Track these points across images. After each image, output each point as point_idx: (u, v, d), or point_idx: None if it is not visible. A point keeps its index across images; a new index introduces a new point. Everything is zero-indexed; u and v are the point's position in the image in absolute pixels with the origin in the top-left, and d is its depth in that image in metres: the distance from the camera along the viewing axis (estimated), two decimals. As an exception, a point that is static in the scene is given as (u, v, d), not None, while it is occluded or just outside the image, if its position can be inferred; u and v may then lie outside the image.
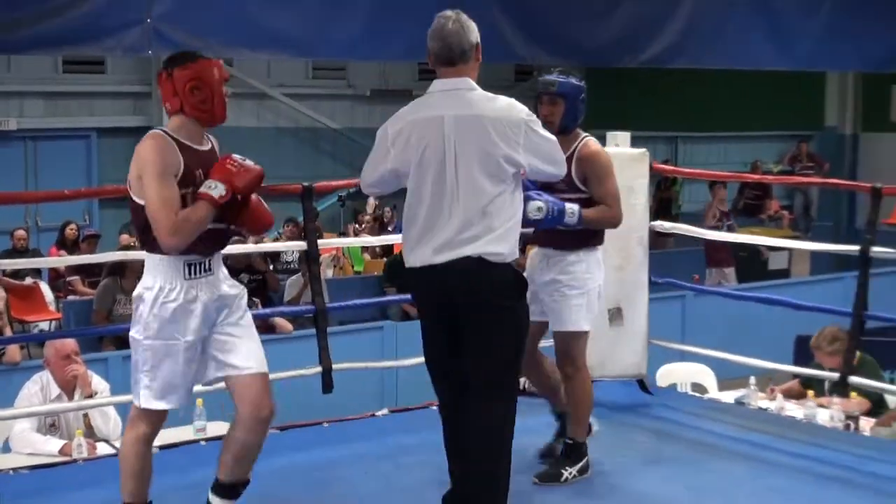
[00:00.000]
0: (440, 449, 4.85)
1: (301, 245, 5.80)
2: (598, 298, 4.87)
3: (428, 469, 4.98)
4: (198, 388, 5.33)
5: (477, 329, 3.92)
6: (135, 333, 3.84)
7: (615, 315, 6.05)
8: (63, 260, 10.55)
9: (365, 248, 13.78)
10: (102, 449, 5.64)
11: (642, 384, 6.21)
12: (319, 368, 5.42)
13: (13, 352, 7.95)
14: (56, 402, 5.80)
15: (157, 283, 3.78)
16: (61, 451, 5.55)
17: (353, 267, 13.17)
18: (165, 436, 5.67)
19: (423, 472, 4.98)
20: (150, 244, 3.79)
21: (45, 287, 11.21)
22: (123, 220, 14.12)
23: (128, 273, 9.74)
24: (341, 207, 15.33)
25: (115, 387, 6.27)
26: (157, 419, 4.01)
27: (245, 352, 3.90)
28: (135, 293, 3.84)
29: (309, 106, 16.32)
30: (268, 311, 8.44)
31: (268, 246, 9.09)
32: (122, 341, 9.09)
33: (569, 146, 4.63)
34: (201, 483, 4.77)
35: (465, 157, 3.86)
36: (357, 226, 14.99)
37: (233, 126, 16.49)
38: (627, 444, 5.45)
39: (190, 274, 3.80)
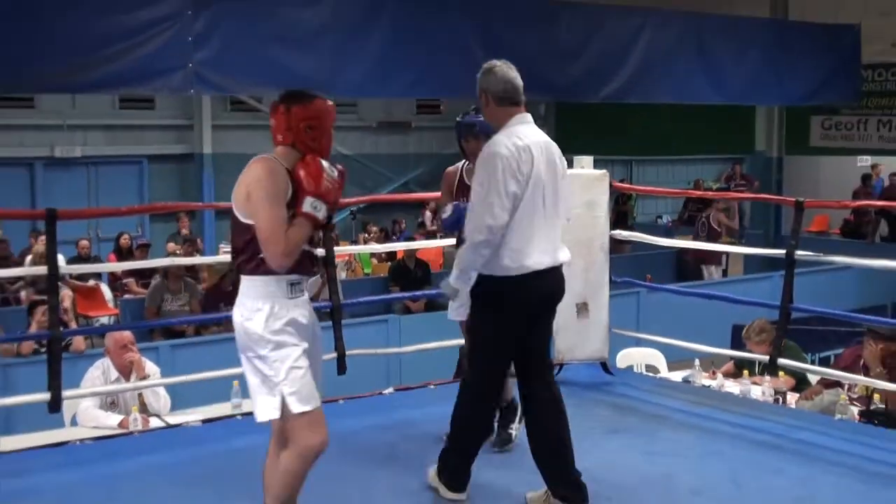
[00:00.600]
0: (438, 420, 4.86)
1: (320, 252, 5.79)
2: None
3: (429, 438, 4.99)
4: (236, 370, 5.37)
5: (549, 316, 4.04)
6: (255, 352, 3.31)
7: (581, 309, 6.04)
8: (120, 265, 10.54)
9: (373, 254, 13.79)
10: (154, 423, 5.62)
11: (604, 366, 6.20)
12: (335, 354, 5.41)
13: (78, 342, 7.92)
14: (115, 383, 5.78)
15: (266, 304, 3.31)
16: (120, 425, 5.54)
17: (362, 270, 13.16)
18: (207, 411, 5.71)
19: (424, 440, 4.97)
20: (252, 264, 3.34)
21: (105, 288, 11.18)
22: (170, 232, 14.12)
23: (171, 276, 9.74)
24: (353, 220, 15.32)
25: (163, 371, 6.26)
26: (317, 421, 3.37)
27: (319, 386, 3.46)
28: (237, 319, 3.34)
29: (325, 136, 16.31)
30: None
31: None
32: (170, 333, 9.09)
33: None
34: (238, 450, 4.80)
35: (550, 177, 3.86)
36: (366, 235, 15.01)
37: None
38: (592, 416, 5.44)
39: (291, 293, 3.37)
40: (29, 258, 11.20)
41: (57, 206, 4.85)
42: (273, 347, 3.28)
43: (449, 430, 4.18)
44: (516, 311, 3.90)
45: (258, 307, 3.31)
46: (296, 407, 3.28)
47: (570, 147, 15.31)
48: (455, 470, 4.14)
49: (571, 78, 9.97)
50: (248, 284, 3.36)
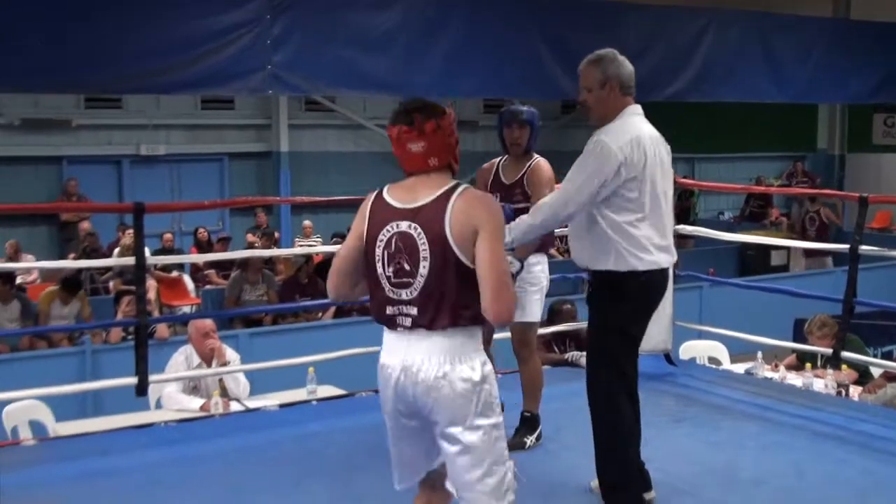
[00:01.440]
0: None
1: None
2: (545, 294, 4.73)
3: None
4: (311, 357, 5.42)
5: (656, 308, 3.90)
6: (490, 421, 2.66)
7: (646, 301, 5.97)
8: (203, 257, 10.69)
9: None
10: (234, 406, 5.69)
11: (668, 357, 6.14)
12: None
13: (162, 330, 8.06)
14: (197, 369, 5.86)
15: (484, 356, 2.73)
16: (202, 408, 5.61)
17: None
18: (283, 396, 5.77)
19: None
20: (472, 316, 2.67)
21: (187, 278, 11.36)
22: (248, 226, 14.29)
23: (251, 268, 9.86)
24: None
25: (242, 358, 6.33)
26: None
27: None
28: (470, 377, 2.64)
29: (397, 135, 16.38)
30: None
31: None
32: (249, 322, 9.21)
33: (526, 163, 4.61)
34: (313, 434, 4.85)
35: (661, 170, 3.72)
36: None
37: (335, 151, 16.67)
38: (656, 406, 5.38)
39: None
40: (117, 250, 11.44)
41: (142, 202, 4.92)
42: (499, 417, 2.71)
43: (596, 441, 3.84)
44: (648, 305, 3.80)
45: (484, 362, 2.69)
46: (512, 488, 2.73)
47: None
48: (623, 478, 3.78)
49: (636, 78, 9.87)
50: (472, 339, 2.70)
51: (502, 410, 2.79)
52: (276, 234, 13.44)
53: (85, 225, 12.98)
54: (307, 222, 14.37)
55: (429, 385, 2.64)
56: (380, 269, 2.74)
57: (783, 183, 17.79)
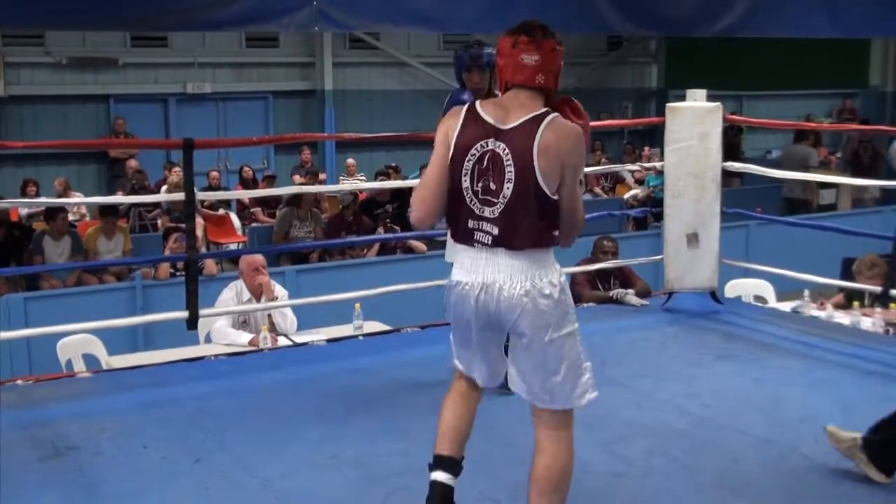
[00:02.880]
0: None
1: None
2: None
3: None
4: (357, 293, 5.46)
5: None
6: (571, 327, 2.80)
7: (692, 239, 5.95)
8: (251, 193, 10.77)
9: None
10: (282, 341, 5.74)
11: (714, 295, 6.11)
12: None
13: (210, 266, 8.15)
14: (247, 304, 5.93)
15: (561, 272, 2.83)
16: (250, 343, 5.67)
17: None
18: (330, 332, 5.83)
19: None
20: (550, 238, 2.77)
21: (233, 216, 11.43)
22: (293, 164, 14.34)
23: (302, 204, 9.91)
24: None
25: (290, 294, 6.38)
26: None
27: None
28: (557, 293, 2.76)
29: (441, 72, 16.18)
30: (409, 234, 8.47)
31: (412, 182, 9.13)
32: (296, 258, 9.28)
33: None
34: (361, 369, 4.91)
35: None
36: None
37: (380, 89, 16.60)
38: (702, 343, 5.40)
39: None
40: (164, 188, 11.54)
41: (192, 138, 4.94)
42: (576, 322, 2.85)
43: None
44: None
45: (560, 274, 2.81)
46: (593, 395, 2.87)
47: (680, 82, 14.89)
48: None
49: (684, 13, 9.65)
50: (549, 257, 2.80)
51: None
52: (322, 176, 13.46)
53: (133, 163, 13.11)
54: (351, 160, 14.38)
55: (512, 303, 2.73)
56: (465, 183, 2.77)
57: (833, 121, 17.47)
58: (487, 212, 2.75)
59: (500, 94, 2.93)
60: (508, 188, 2.72)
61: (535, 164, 2.69)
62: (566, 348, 2.79)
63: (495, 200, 2.74)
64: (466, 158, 2.77)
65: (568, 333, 2.79)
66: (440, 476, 2.94)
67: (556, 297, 2.76)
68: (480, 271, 2.77)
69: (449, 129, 2.83)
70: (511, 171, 2.72)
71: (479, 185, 2.75)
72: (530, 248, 2.74)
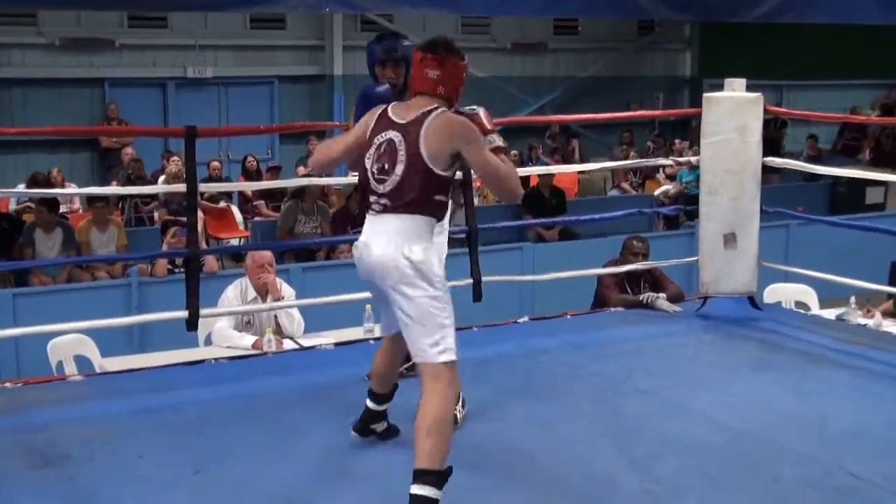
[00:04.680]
0: (573, 348, 4.86)
1: (457, 174, 5.77)
2: None
3: (560, 366, 5.03)
4: (365, 294, 5.45)
5: None
6: (436, 291, 3.44)
7: (729, 239, 5.92)
8: (255, 185, 10.76)
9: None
10: (288, 344, 5.75)
11: (752, 300, 6.08)
12: (471, 280, 5.43)
13: (211, 262, 8.15)
14: (252, 303, 5.92)
15: (434, 244, 3.57)
16: (254, 346, 5.67)
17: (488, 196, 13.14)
18: (340, 335, 5.82)
19: (556, 367, 5.04)
20: (431, 208, 3.52)
21: (235, 210, 11.44)
22: (299, 154, 14.34)
23: (307, 197, 9.91)
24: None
25: (297, 292, 6.38)
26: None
27: None
28: (417, 257, 3.43)
29: (459, 57, 16.24)
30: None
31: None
32: (303, 255, 9.29)
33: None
34: (371, 374, 4.87)
35: None
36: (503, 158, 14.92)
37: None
38: (739, 351, 5.37)
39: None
40: (162, 178, 11.56)
41: (188, 124, 4.91)
42: (446, 292, 3.48)
43: None
44: None
45: (426, 248, 3.48)
46: (457, 356, 3.45)
47: (715, 71, 14.83)
48: None
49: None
50: (422, 226, 3.50)
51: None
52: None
53: (129, 151, 13.13)
54: (362, 151, 14.40)
55: (380, 261, 3.48)
56: (368, 165, 3.59)
57: (879, 114, 17.35)
58: (381, 188, 3.53)
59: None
60: (400, 168, 3.49)
61: (422, 147, 3.46)
62: (424, 308, 3.42)
63: (387, 178, 3.52)
64: (371, 146, 3.59)
65: (429, 295, 3.43)
66: (368, 403, 3.96)
67: (418, 260, 3.43)
68: (366, 234, 3.56)
69: (367, 123, 3.66)
70: (403, 155, 3.49)
71: (376, 167, 3.55)
72: (406, 215, 3.48)
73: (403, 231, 3.48)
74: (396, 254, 3.45)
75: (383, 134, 3.57)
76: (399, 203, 3.50)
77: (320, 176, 5.82)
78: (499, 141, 3.60)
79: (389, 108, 3.62)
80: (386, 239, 3.48)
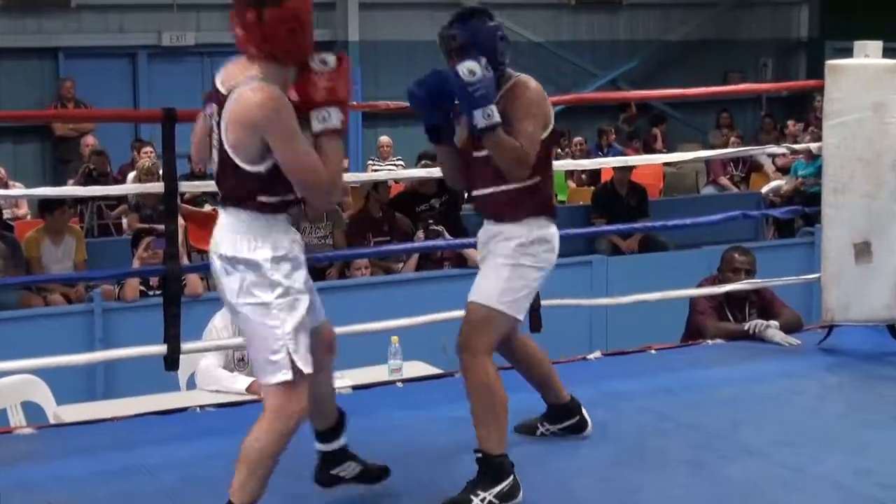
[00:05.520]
0: (660, 393, 4.84)
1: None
2: (528, 284, 4.28)
3: (644, 416, 5.00)
4: (394, 322, 5.47)
5: None
6: (262, 297, 3.56)
7: (862, 250, 5.87)
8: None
9: (570, 174, 13.72)
10: (292, 388, 5.75)
11: (892, 330, 6.03)
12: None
13: (195, 283, 8.14)
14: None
15: (278, 242, 3.60)
16: (249, 389, 5.64)
17: (556, 196, 13.15)
18: (358, 375, 5.83)
19: (639, 419, 5.02)
20: (253, 206, 3.58)
21: (223, 214, 11.45)
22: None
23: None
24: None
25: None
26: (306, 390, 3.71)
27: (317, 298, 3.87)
28: (235, 255, 3.58)
29: (507, 16, 16.19)
30: (472, 240, 8.41)
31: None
32: (309, 273, 9.31)
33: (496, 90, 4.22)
34: (398, 426, 4.90)
35: None
36: (559, 150, 14.92)
37: (427, 41, 16.59)
38: (875, 397, 5.34)
39: (289, 229, 3.70)
40: (132, 175, 11.64)
41: (165, 106, 4.97)
42: (282, 294, 3.58)
43: None
44: None
45: (271, 246, 3.59)
46: (307, 367, 3.64)
47: (841, 31, 14.84)
48: None
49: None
50: (254, 224, 3.59)
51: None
52: (345, 161, 13.49)
53: (89, 140, 13.22)
54: (384, 138, 14.44)
55: (213, 261, 3.67)
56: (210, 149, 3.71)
57: None
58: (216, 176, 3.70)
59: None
60: (215, 154, 3.63)
61: (224, 135, 3.54)
62: (256, 318, 3.57)
63: (214, 167, 3.68)
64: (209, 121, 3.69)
65: (260, 304, 3.56)
66: (317, 445, 4.14)
67: (240, 259, 3.55)
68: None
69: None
70: (217, 140, 3.60)
71: (214, 148, 3.65)
72: (234, 209, 3.60)
73: (235, 229, 3.61)
74: (226, 254, 3.60)
75: (210, 105, 3.68)
76: (224, 197, 3.66)
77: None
78: (333, 120, 3.54)
79: (223, 67, 3.72)
80: (219, 234, 3.65)
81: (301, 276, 3.65)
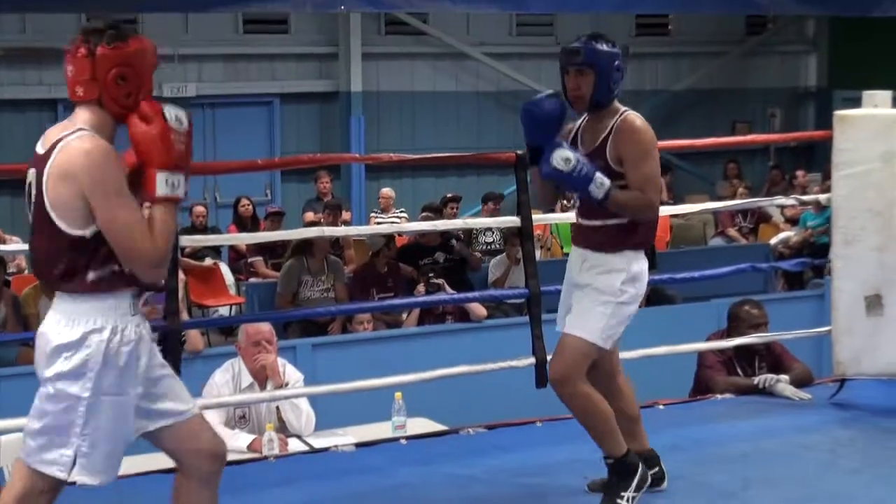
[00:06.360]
0: (668, 450, 4.82)
1: (513, 221, 5.81)
2: (627, 318, 4.52)
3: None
4: (398, 378, 5.46)
5: None
6: (71, 388, 3.29)
7: (873, 303, 5.87)
8: (251, 237, 10.77)
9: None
10: (294, 445, 5.75)
11: (907, 385, 6.04)
12: (532, 360, 5.42)
13: (195, 339, 8.13)
14: (247, 392, 5.93)
15: (109, 323, 3.31)
16: (250, 447, 5.67)
17: (562, 248, 13.15)
18: (361, 432, 5.82)
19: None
20: (78, 281, 3.30)
21: (224, 269, 11.47)
22: (307, 196, 14.44)
23: (315, 252, 9.96)
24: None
25: (305, 378, 6.39)
26: (56, 491, 3.49)
27: (182, 391, 3.59)
28: (61, 339, 3.29)
29: (512, 66, 16.33)
30: (475, 294, 8.46)
31: (475, 221, 9.15)
32: (311, 327, 9.32)
33: (605, 122, 4.45)
34: (404, 485, 4.88)
35: None
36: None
37: (430, 91, 16.72)
38: (889, 452, 5.31)
39: (134, 308, 3.40)
40: (131, 229, 11.62)
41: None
42: (96, 391, 3.31)
43: None
44: None
45: (96, 327, 3.31)
46: (79, 476, 3.39)
47: (850, 80, 14.75)
48: None
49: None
50: (81, 305, 3.33)
51: None
52: (347, 214, 13.53)
53: (87, 193, 13.24)
54: (386, 190, 14.46)
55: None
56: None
57: None
58: (30, 246, 3.43)
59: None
60: (32, 222, 3.36)
61: (45, 193, 3.26)
62: (48, 400, 3.32)
63: (31, 240, 3.40)
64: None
65: (71, 393, 3.28)
66: None
67: (64, 352, 3.27)
68: None
69: None
70: (32, 203, 3.34)
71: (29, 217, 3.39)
72: (61, 294, 3.34)
73: (58, 308, 3.36)
74: (46, 333, 3.35)
75: (29, 172, 3.39)
76: (39, 273, 3.47)
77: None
78: (180, 189, 3.35)
79: (44, 134, 3.42)
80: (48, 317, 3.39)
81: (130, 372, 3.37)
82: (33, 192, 3.32)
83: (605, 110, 4.46)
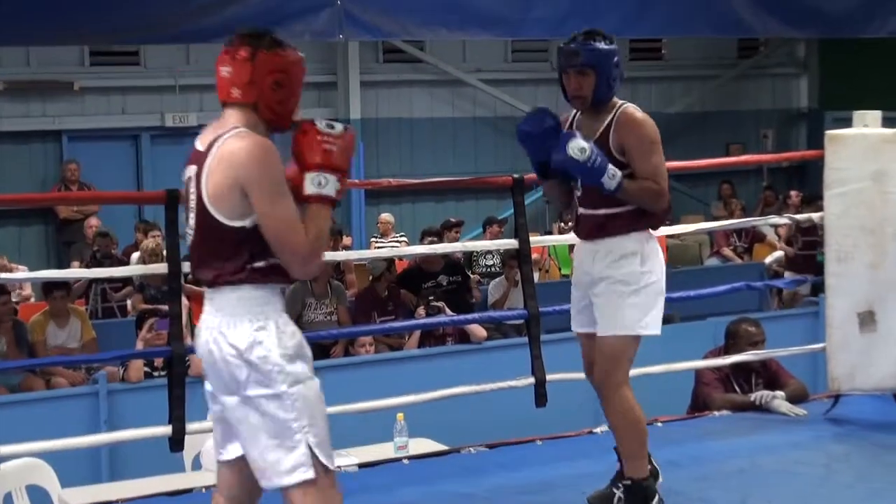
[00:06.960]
0: (666, 467, 4.82)
1: (511, 243, 5.82)
2: (659, 295, 4.59)
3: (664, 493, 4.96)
4: (400, 399, 5.47)
5: None
6: (275, 388, 3.28)
7: (866, 319, 5.88)
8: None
9: (572, 249, 13.68)
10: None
11: (900, 399, 6.03)
12: (531, 380, 5.42)
13: (199, 363, 8.15)
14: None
15: (271, 319, 3.33)
16: (255, 469, 5.66)
17: (559, 270, 13.15)
18: (363, 453, 5.82)
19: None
20: (242, 275, 3.32)
21: (228, 293, 11.44)
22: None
23: (319, 276, 9.95)
24: (547, 204, 15.31)
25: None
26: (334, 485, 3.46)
27: None
28: (242, 344, 3.28)
29: (508, 92, 16.33)
30: (476, 315, 8.45)
31: (474, 244, 9.15)
32: (314, 350, 9.29)
33: (604, 117, 4.46)
34: (406, 504, 4.88)
35: None
36: (563, 224, 14.92)
37: (428, 117, 16.73)
38: (885, 468, 5.30)
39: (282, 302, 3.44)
40: (135, 256, 11.64)
41: (169, 188, 5.02)
42: (293, 382, 3.31)
43: None
44: None
45: (261, 325, 3.31)
46: (331, 463, 3.36)
47: (840, 101, 14.83)
48: None
49: (845, 8, 9.70)
50: (243, 296, 3.32)
51: None
52: (348, 239, 13.52)
53: (93, 222, 13.22)
54: (385, 215, 14.46)
55: (204, 349, 3.38)
56: (186, 218, 3.46)
57: None
58: (191, 245, 3.43)
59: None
60: (193, 219, 3.39)
61: (204, 187, 3.31)
62: (263, 411, 3.27)
63: (190, 234, 3.43)
64: (186, 190, 3.45)
65: (271, 395, 3.27)
66: None
67: (243, 348, 3.28)
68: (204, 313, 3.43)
69: None
70: (194, 200, 3.37)
71: (189, 219, 3.43)
72: (221, 286, 3.33)
73: (225, 308, 3.33)
74: (220, 339, 3.31)
75: (188, 169, 3.43)
76: (203, 270, 3.40)
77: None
78: (328, 188, 3.37)
79: (200, 134, 3.48)
80: (209, 318, 3.37)
81: (308, 358, 3.39)
82: (192, 187, 3.38)
83: (605, 106, 4.49)
